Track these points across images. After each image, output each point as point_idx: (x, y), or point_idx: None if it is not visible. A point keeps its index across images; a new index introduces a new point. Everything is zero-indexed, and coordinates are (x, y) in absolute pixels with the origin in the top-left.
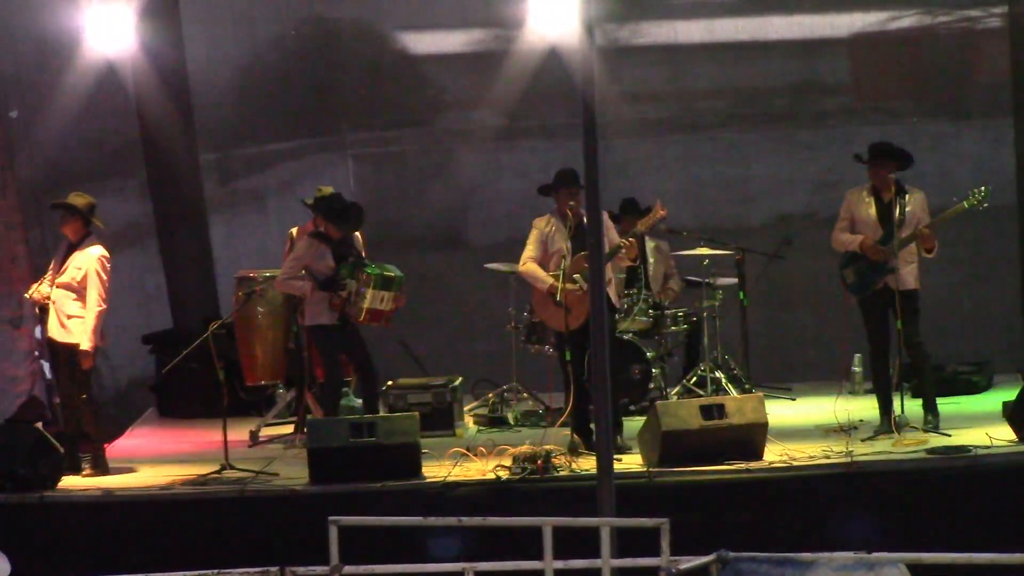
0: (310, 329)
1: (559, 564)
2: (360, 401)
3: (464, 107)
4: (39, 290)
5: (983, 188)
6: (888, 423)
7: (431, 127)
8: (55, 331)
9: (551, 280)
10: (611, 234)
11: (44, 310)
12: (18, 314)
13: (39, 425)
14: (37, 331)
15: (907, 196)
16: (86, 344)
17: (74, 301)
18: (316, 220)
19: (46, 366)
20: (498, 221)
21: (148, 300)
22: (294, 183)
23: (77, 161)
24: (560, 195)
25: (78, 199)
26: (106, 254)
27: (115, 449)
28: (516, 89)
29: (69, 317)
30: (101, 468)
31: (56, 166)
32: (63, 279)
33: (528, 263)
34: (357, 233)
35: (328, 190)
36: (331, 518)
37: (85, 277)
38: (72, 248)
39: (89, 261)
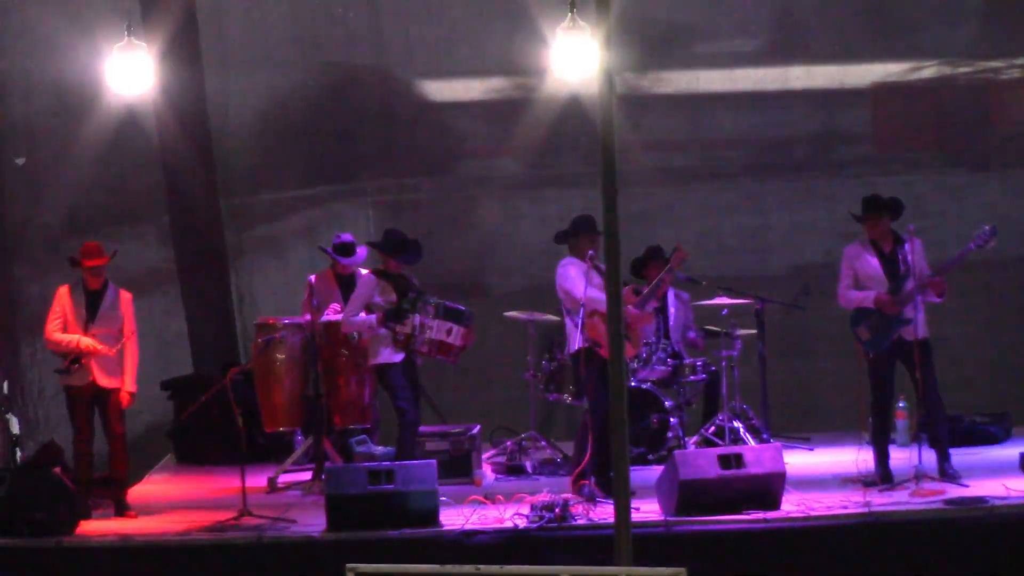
0: (377, 369)
1: None
2: (380, 449)
3: (484, 155)
4: (84, 338)
5: (987, 227)
6: (885, 472)
7: (451, 175)
8: (100, 376)
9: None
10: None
11: (75, 360)
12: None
13: (57, 470)
14: (4, 386)
15: (906, 245)
16: (132, 386)
17: (112, 346)
18: (383, 258)
19: (14, 421)
20: (517, 269)
21: (167, 345)
22: (314, 230)
23: (97, 207)
24: (581, 241)
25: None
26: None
27: (132, 495)
28: (536, 137)
29: (114, 363)
30: (125, 511)
31: (76, 212)
32: (101, 324)
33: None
34: (366, 278)
35: (347, 237)
36: (348, 565)
37: (121, 322)
38: (96, 295)
39: (125, 306)
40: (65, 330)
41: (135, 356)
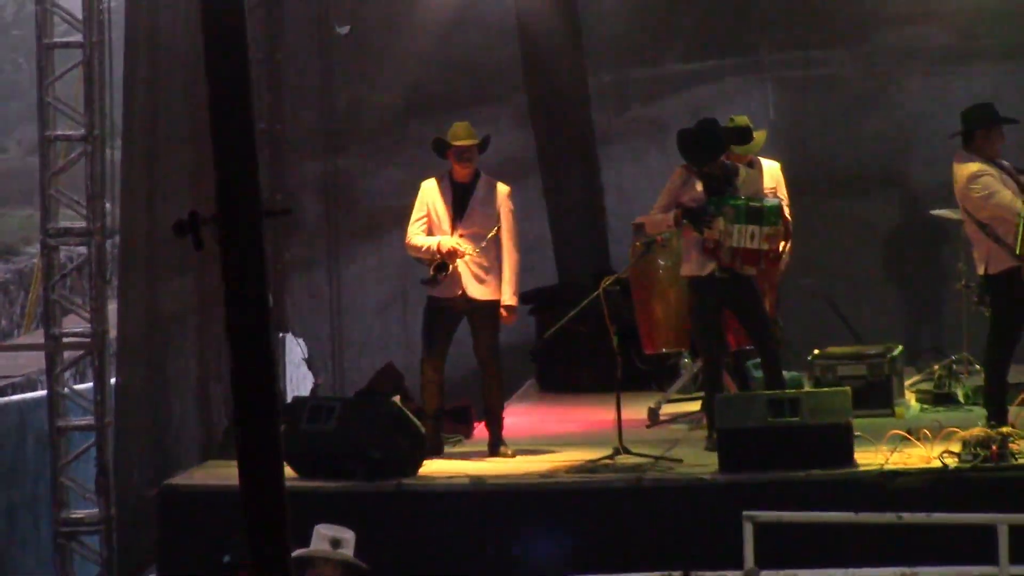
0: (685, 281)
1: (1016, 570)
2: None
3: (907, 22)
4: (445, 238)
5: None
6: None
7: (867, 45)
8: (473, 288)
9: None
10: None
11: (441, 267)
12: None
13: (397, 399)
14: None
15: None
16: (512, 299)
17: (484, 250)
18: None
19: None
20: (945, 158)
21: (527, 250)
22: (703, 111)
23: (442, 84)
24: (992, 135)
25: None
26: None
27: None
28: (969, 1)
29: (487, 271)
30: (500, 449)
31: (417, 91)
32: (470, 224)
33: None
34: (769, 167)
35: (742, 120)
36: (745, 513)
37: (496, 220)
38: (464, 188)
39: (501, 202)
40: (431, 233)
41: (514, 262)
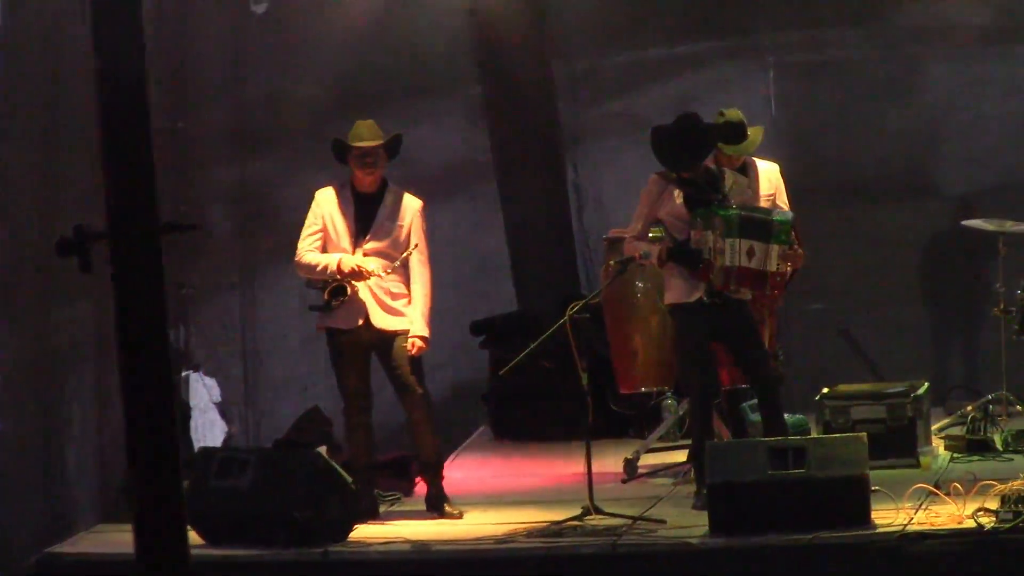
0: (668, 310)
1: None
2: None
3: None
4: (347, 257)
5: None
6: None
7: (886, 24)
8: (379, 317)
9: None
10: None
11: (339, 291)
12: None
13: (323, 450)
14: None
15: None
16: (424, 329)
17: (390, 273)
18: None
19: (206, 384)
20: (980, 158)
21: (481, 271)
22: (690, 102)
23: (379, 74)
24: None
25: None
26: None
27: None
28: None
29: (395, 297)
30: (444, 507)
31: (348, 82)
32: (376, 241)
33: None
34: (766, 170)
35: (734, 114)
36: None
37: (406, 239)
38: (369, 200)
39: (410, 217)
40: (325, 250)
41: (427, 286)
